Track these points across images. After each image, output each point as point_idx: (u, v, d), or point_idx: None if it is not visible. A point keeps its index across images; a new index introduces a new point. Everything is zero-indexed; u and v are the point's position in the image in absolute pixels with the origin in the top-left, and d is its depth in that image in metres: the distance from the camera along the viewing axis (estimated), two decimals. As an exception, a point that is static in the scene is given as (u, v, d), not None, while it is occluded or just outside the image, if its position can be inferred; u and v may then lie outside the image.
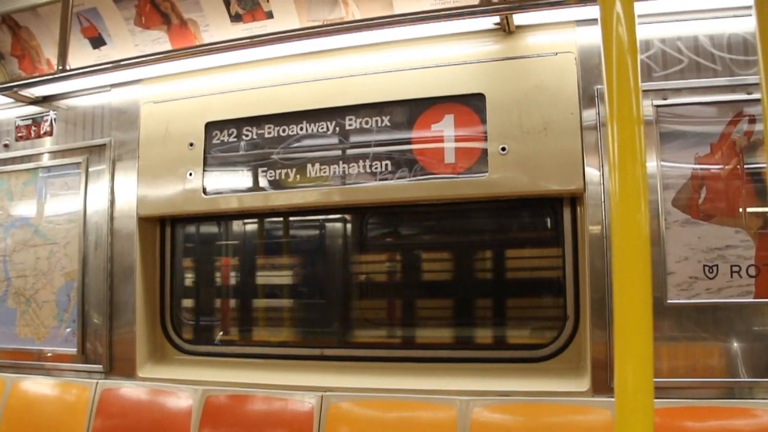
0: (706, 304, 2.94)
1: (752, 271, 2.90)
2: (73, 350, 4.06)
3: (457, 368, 3.52)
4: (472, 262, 3.96)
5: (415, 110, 3.49)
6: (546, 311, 3.64)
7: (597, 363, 3.08)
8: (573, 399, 3.08)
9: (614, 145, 1.45)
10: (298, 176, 3.68)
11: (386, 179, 3.49)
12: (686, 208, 3.00)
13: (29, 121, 4.38)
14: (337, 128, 3.63)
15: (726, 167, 2.97)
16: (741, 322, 2.90)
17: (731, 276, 2.92)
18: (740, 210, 2.94)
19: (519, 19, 3.27)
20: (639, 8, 1.50)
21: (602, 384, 3.05)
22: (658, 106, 3.04)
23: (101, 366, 3.98)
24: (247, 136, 3.80)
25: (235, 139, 3.82)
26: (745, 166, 2.95)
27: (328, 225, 4.12)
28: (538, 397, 3.15)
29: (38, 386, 4.07)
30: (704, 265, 2.96)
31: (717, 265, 2.94)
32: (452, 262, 4.03)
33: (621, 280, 1.43)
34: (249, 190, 3.78)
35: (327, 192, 3.60)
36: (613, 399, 2.98)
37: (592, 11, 3.13)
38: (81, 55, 3.95)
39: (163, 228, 4.17)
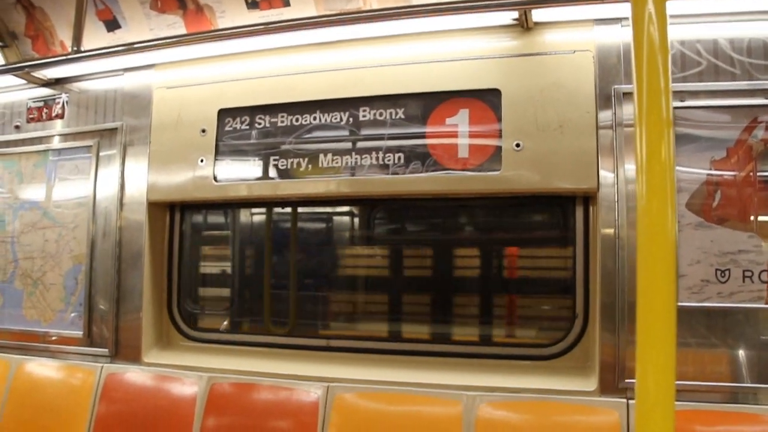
0: (717, 308, 2.93)
1: (765, 276, 2.89)
2: (79, 333, 4.06)
3: (464, 363, 3.52)
4: (482, 258, 3.95)
5: (429, 103, 3.47)
6: (555, 309, 3.64)
7: (605, 363, 3.08)
8: (580, 398, 3.08)
9: (642, 147, 1.43)
10: (309, 166, 3.66)
11: (398, 172, 3.47)
12: (700, 211, 2.99)
13: (41, 103, 4.36)
14: (351, 119, 3.61)
15: (741, 172, 2.96)
16: (752, 328, 2.90)
17: (743, 281, 2.91)
18: (754, 215, 2.93)
19: (537, 15, 3.25)
20: (669, 8, 1.48)
21: (610, 384, 3.05)
22: (675, 108, 3.02)
23: (107, 350, 3.98)
24: (259, 124, 3.78)
25: (248, 127, 3.80)
26: (760, 172, 2.94)
27: (338, 216, 4.11)
28: (545, 395, 3.14)
29: (43, 369, 4.07)
30: (716, 269, 2.95)
31: (729, 270, 2.94)
32: (462, 258, 4.03)
33: (645, 282, 1.42)
34: (260, 178, 3.75)
35: (338, 183, 3.58)
36: (620, 399, 3.00)
37: (611, 10, 3.12)
38: (95, 38, 3.92)
39: (172, 214, 4.16)
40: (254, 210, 4.28)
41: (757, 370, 2.89)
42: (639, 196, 1.42)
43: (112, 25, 3.92)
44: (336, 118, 3.64)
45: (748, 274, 2.90)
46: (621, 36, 3.16)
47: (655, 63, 1.45)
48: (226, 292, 4.37)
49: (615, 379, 3.04)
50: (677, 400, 2.85)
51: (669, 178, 1.41)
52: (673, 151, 1.42)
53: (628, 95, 3.09)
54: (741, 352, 2.91)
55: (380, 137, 3.54)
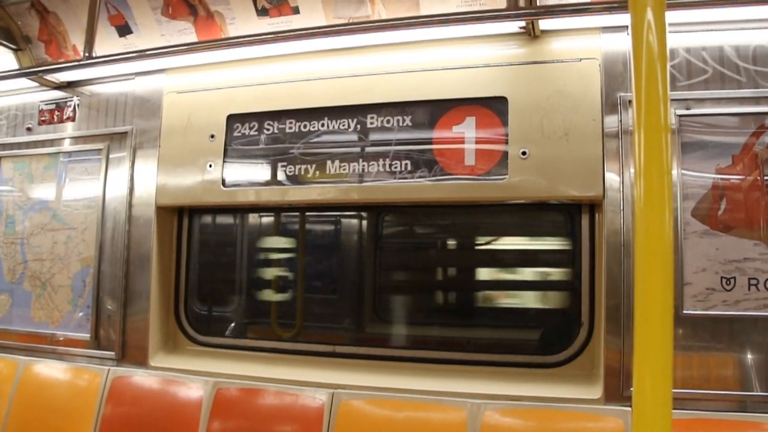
0: (723, 316, 2.92)
1: (771, 284, 2.88)
2: (86, 336, 4.08)
3: (469, 371, 3.51)
4: (487, 266, 3.95)
5: (436, 111, 3.48)
6: (560, 317, 3.64)
7: (610, 371, 3.07)
8: (585, 406, 3.06)
9: (640, 153, 1.44)
10: (317, 172, 3.68)
11: (405, 179, 3.48)
12: (705, 218, 2.99)
13: (53, 106, 4.41)
14: (359, 126, 3.63)
15: (747, 179, 2.95)
16: (758, 336, 2.88)
17: (749, 289, 2.90)
18: (760, 223, 2.92)
19: (544, 24, 3.27)
20: (669, 17, 1.50)
21: (615, 392, 3.04)
22: (681, 115, 3.03)
23: (113, 353, 3.99)
24: (268, 130, 3.80)
25: (256, 133, 3.83)
26: (766, 179, 2.93)
27: (345, 222, 4.13)
28: (550, 403, 3.12)
29: (50, 370, 4.09)
30: (722, 277, 2.94)
31: (735, 278, 2.93)
32: (467, 265, 4.03)
33: (642, 289, 1.42)
34: (268, 183, 3.77)
35: (345, 189, 3.60)
36: (625, 408, 2.99)
37: (618, 18, 3.13)
38: (107, 42, 3.97)
39: (180, 218, 4.18)
40: (262, 215, 4.30)
41: (765, 378, 2.87)
42: (637, 202, 1.43)
43: (124, 30, 3.97)
44: (344, 125, 3.66)
45: (753, 282, 2.90)
46: (627, 44, 3.17)
47: (653, 70, 1.47)
48: (233, 297, 4.38)
49: (620, 387, 3.03)
50: (683, 409, 2.85)
51: (667, 184, 1.42)
52: (670, 157, 1.44)
53: (633, 103, 3.10)
54: (747, 361, 2.90)
55: (388, 144, 3.56)
